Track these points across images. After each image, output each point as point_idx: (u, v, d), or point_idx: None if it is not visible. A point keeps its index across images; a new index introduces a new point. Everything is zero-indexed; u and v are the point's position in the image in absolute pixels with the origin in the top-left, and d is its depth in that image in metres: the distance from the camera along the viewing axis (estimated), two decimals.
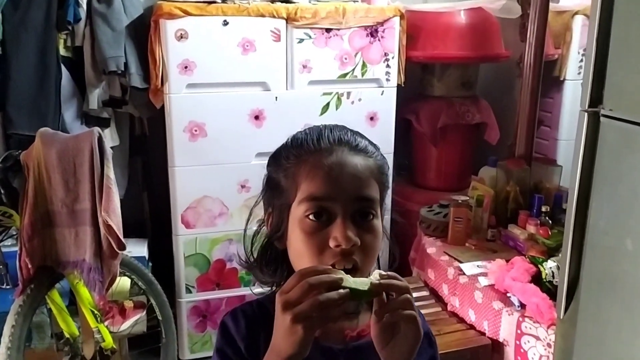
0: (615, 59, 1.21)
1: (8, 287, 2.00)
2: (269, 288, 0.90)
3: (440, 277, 2.16)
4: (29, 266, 1.83)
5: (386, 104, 2.53)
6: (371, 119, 2.53)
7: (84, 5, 2.17)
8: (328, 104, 2.45)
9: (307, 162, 0.80)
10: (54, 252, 1.87)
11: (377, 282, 0.71)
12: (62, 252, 1.86)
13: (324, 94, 2.44)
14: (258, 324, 0.85)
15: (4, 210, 1.85)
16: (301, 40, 2.34)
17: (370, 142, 0.85)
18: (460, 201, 2.28)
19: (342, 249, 0.75)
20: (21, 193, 1.83)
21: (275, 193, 0.84)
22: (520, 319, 1.78)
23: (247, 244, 0.90)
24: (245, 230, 0.91)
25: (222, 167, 2.36)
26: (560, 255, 1.73)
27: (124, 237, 2.43)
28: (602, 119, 1.22)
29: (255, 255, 0.89)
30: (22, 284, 1.83)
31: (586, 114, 1.24)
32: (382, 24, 2.42)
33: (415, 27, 2.56)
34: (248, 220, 0.91)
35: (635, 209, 1.19)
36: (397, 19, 2.44)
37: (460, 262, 2.12)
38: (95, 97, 2.23)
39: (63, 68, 2.19)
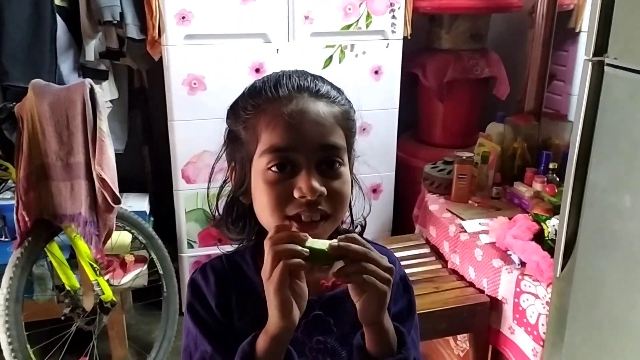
0: (622, 6, 1.13)
1: (6, 239, 2.02)
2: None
3: (441, 234, 2.13)
4: (26, 219, 1.83)
5: (391, 57, 2.46)
6: (375, 72, 2.46)
7: None
8: (331, 57, 2.38)
9: (266, 111, 0.76)
10: (50, 205, 1.86)
11: (336, 244, 0.69)
12: (58, 206, 1.86)
13: (327, 46, 2.36)
14: (228, 279, 0.83)
15: (0, 163, 1.84)
16: None
17: (334, 87, 0.80)
18: (464, 157, 2.23)
19: (307, 200, 0.72)
20: (16, 146, 1.81)
21: (236, 146, 0.81)
22: (520, 277, 1.75)
23: (211, 201, 0.86)
24: (208, 189, 0.87)
25: (222, 122, 2.31)
26: None
27: (125, 191, 2.45)
28: (606, 68, 1.15)
29: (221, 213, 0.86)
30: (19, 236, 1.84)
31: (590, 62, 1.17)
32: None
33: None
34: (210, 177, 0.87)
35: (636, 165, 1.13)
36: None
37: (462, 219, 2.08)
38: (91, 49, 2.19)
39: (58, 18, 2.14)
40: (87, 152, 1.77)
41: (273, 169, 0.74)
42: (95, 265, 1.97)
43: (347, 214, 0.83)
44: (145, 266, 2.30)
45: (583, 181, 1.29)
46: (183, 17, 2.14)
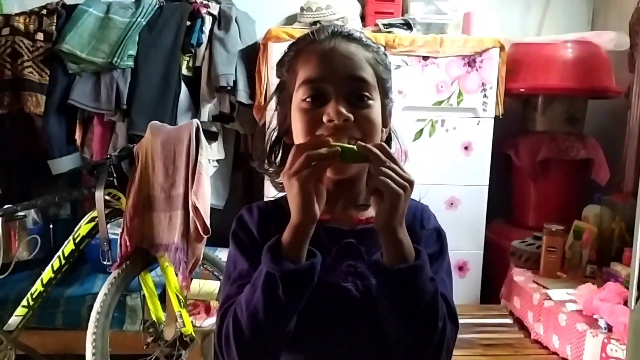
0: None
1: (108, 262, 2.22)
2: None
3: (525, 304, 2.02)
4: (128, 244, 2.02)
5: (482, 134, 2.51)
6: (465, 148, 2.51)
7: (207, 32, 2.48)
8: (422, 130, 2.49)
9: (303, 51, 0.86)
10: (150, 234, 2.04)
11: (363, 144, 0.76)
12: (156, 235, 2.03)
13: (418, 120, 2.49)
14: (270, 216, 0.90)
15: (114, 193, 2.08)
16: (398, 67, 2.44)
17: (367, 37, 0.89)
18: (554, 229, 2.16)
19: (334, 124, 0.80)
20: (130, 178, 2.06)
21: (280, 89, 0.90)
22: (606, 340, 1.61)
23: (258, 141, 0.96)
24: (256, 130, 0.98)
25: None
26: None
27: (219, 246, 2.62)
28: None
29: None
30: (119, 259, 2.02)
31: None
32: (480, 54, 2.46)
33: (516, 60, 2.55)
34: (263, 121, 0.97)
35: None
36: (497, 50, 2.46)
37: (547, 288, 1.98)
38: (207, 111, 2.49)
39: (182, 85, 2.49)
40: (187, 184, 1.97)
41: (307, 99, 0.82)
42: (180, 297, 2.09)
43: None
44: None
45: None
46: None
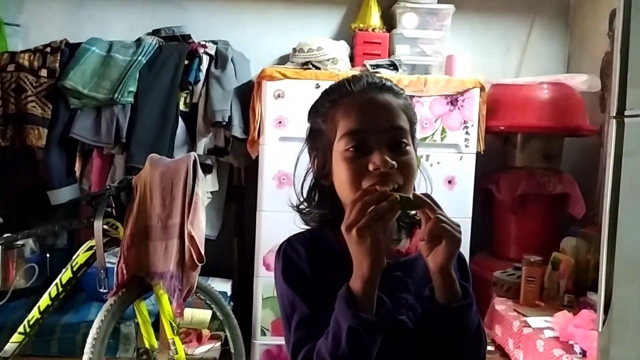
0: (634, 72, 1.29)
1: (105, 290, 2.28)
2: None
3: (506, 332, 2.11)
4: (124, 272, 2.09)
5: (465, 169, 2.63)
6: (449, 182, 2.63)
7: (204, 70, 2.62)
8: None
9: (341, 103, 0.93)
10: (146, 263, 2.12)
11: (419, 194, 0.86)
12: (152, 263, 2.11)
13: None
14: (314, 248, 0.95)
15: (112, 222, 2.17)
16: None
17: (396, 85, 0.98)
18: (533, 260, 2.26)
19: (381, 172, 0.86)
20: (128, 208, 2.15)
21: (317, 138, 0.97)
22: None
23: (297, 185, 1.03)
24: (294, 175, 1.04)
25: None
26: None
27: (212, 275, 2.69)
28: (626, 119, 1.28)
29: (305, 197, 1.02)
30: (116, 286, 2.09)
31: (614, 120, 1.31)
32: (462, 93, 2.60)
33: (496, 100, 2.70)
34: (296, 165, 1.04)
35: None
36: (477, 90, 2.61)
37: (527, 316, 2.07)
38: (202, 144, 2.60)
39: (180, 120, 2.60)
40: (183, 214, 2.06)
41: (351, 149, 0.89)
42: (174, 324, 2.16)
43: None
44: (219, 343, 2.45)
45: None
46: (280, 122, 2.52)
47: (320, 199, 1.00)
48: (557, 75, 2.75)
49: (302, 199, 1.02)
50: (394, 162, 0.86)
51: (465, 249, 2.66)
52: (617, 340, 1.33)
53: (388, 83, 0.96)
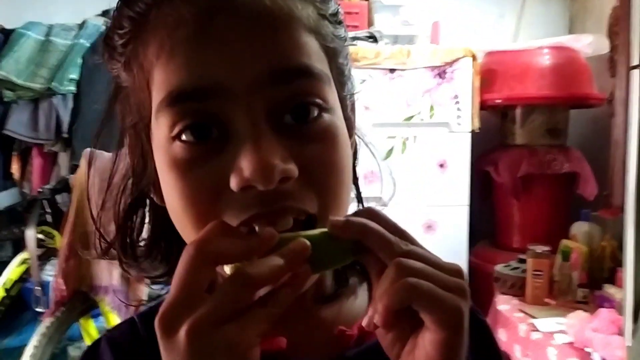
0: None
1: (42, 310, 2.00)
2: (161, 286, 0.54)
3: (512, 337, 1.81)
4: (63, 287, 1.80)
5: (458, 150, 2.33)
6: (441, 166, 2.32)
7: None
8: (392, 148, 2.31)
9: (153, 22, 0.41)
10: (88, 276, 1.84)
11: (342, 220, 0.38)
12: (95, 276, 1.83)
13: (389, 137, 2.30)
14: (140, 354, 0.49)
15: (48, 230, 1.88)
16: (363, 81, 2.26)
17: None
18: (539, 251, 1.96)
19: (260, 192, 0.38)
20: (65, 213, 1.86)
21: (123, 106, 0.46)
22: None
23: (95, 211, 0.53)
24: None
25: None
26: None
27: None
28: None
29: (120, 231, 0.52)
30: (53, 305, 1.81)
31: (636, 70, 1.00)
32: (450, 64, 2.28)
33: (491, 70, 2.38)
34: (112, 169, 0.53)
35: None
36: (469, 59, 2.28)
37: (534, 317, 1.76)
38: None
39: None
40: None
41: (183, 137, 0.40)
42: None
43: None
44: None
45: None
46: None
47: (155, 232, 0.51)
48: (558, 37, 2.42)
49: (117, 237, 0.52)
50: (290, 166, 0.39)
51: (462, 240, 2.35)
52: None
53: None
